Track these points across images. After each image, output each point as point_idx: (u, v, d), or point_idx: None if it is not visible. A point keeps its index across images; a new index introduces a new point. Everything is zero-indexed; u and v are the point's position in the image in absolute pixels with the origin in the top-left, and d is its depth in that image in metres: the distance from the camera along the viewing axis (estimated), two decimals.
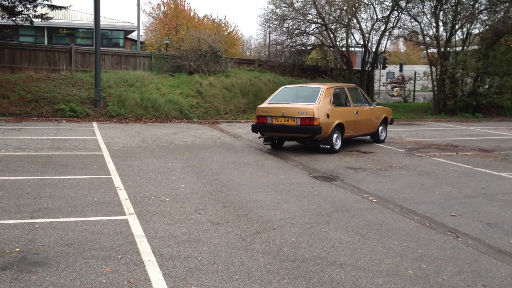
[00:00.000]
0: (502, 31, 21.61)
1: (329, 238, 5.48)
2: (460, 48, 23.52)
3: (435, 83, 23.73)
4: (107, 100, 18.51)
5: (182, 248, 5.03)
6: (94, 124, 16.36)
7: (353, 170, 9.60)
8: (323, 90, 11.91)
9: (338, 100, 12.31)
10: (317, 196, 7.41)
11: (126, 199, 6.88)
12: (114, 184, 7.81)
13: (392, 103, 28.69)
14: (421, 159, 10.97)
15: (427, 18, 24.06)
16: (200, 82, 20.71)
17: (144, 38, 45.93)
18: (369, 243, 5.34)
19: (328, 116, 11.47)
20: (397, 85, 31.29)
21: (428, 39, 24.13)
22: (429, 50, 25.14)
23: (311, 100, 11.77)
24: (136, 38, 37.05)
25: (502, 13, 22.85)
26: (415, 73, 30.84)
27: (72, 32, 39.19)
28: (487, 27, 22.97)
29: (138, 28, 35.30)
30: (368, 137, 14.00)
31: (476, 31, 24.04)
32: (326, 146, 11.67)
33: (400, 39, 29.47)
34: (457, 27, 23.27)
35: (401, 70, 36.76)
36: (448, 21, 23.32)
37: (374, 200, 7.26)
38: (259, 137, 12.75)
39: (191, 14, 47.58)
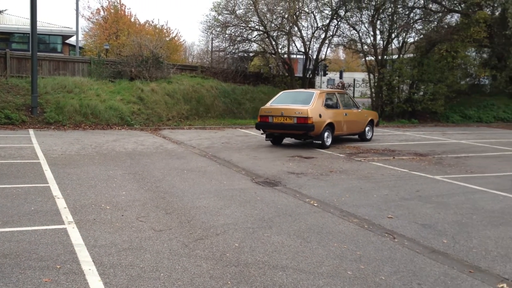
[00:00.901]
0: (436, 40, 22.55)
1: (271, 242, 5.55)
2: (397, 56, 24.34)
3: (373, 90, 24.45)
4: (45, 106, 17.98)
5: (123, 256, 4.96)
6: (31, 131, 15.84)
7: (295, 175, 9.75)
8: (316, 94, 14.05)
9: (329, 103, 14.41)
10: (260, 201, 7.48)
11: (65, 207, 6.72)
12: (52, 192, 7.60)
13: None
14: (360, 164, 11.27)
15: (365, 27, 24.82)
16: (141, 89, 20.46)
17: (83, 44, 44.90)
18: (310, 246, 5.45)
19: (320, 116, 13.54)
20: None
21: (366, 47, 24.87)
22: (367, 58, 25.91)
23: (306, 103, 13.80)
24: (74, 44, 36.19)
25: (436, 22, 23.88)
26: (354, 80, 31.69)
27: (7, 36, 37.83)
28: (422, 36, 23.91)
29: (76, 33, 34.54)
30: (357, 136, 16.20)
31: (411, 40, 24.99)
32: (318, 142, 13.78)
33: (340, 47, 30.15)
34: (393, 36, 24.10)
35: (341, 77, 37.67)
36: (385, 30, 24.11)
37: (315, 204, 7.40)
38: (261, 133, 14.91)
39: (132, 20, 46.86)
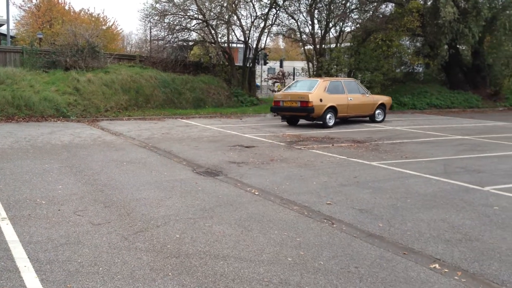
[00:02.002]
0: (371, 29, 23.08)
1: (212, 232, 5.56)
2: (334, 45, 24.76)
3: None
4: None
5: (60, 251, 4.84)
6: None
7: (236, 164, 9.78)
8: (320, 82, 17.01)
9: (332, 89, 16.96)
10: (201, 192, 7.47)
11: None
12: None
13: (273, 98, 29.52)
14: (300, 152, 11.44)
15: (303, 16, 25.10)
16: (77, 79, 19.85)
17: (15, 33, 43.00)
18: (251, 234, 5.50)
19: (321, 100, 16.31)
20: (277, 80, 32.24)
21: (304, 36, 25.17)
22: (306, 47, 26.21)
23: (309, 89, 16.72)
24: (5, 33, 34.63)
25: (371, 12, 24.43)
26: (294, 68, 31.98)
27: None
28: (358, 25, 24.42)
29: (7, 21, 33.02)
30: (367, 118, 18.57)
31: (348, 29, 25.47)
32: (320, 122, 16.65)
33: (280, 36, 30.36)
34: (331, 25, 24.49)
35: (281, 66, 37.90)
36: (322, 19, 24.46)
37: (256, 193, 7.47)
38: (274, 115, 18.68)
39: (66, 8, 45.30)
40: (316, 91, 16.49)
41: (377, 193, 7.52)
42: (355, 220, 6.11)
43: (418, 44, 28.51)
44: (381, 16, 24.16)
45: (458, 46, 27.66)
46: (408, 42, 28.26)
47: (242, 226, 5.78)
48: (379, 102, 18.44)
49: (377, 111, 18.41)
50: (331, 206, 6.76)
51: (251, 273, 4.43)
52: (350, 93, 17.46)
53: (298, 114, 16.83)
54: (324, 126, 16.54)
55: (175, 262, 4.64)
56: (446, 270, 4.58)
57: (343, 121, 18.36)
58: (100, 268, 4.46)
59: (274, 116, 17.29)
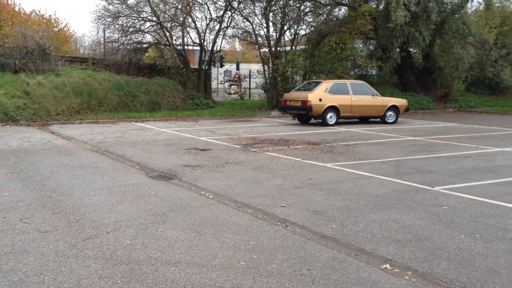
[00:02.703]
0: (325, 32, 23.34)
1: (165, 237, 5.46)
2: (290, 47, 24.91)
3: (268, 81, 24.86)
4: None
5: (4, 261, 4.65)
6: None
7: (191, 168, 9.68)
8: (322, 83, 18.44)
9: (335, 90, 18.23)
10: (154, 196, 7.34)
11: None
12: None
13: (229, 101, 29.50)
14: (256, 154, 11.43)
15: (258, 18, 25.15)
16: (27, 82, 19.27)
17: None
18: (204, 239, 5.44)
19: (320, 100, 17.73)
20: (234, 83, 32.26)
21: (260, 39, 25.22)
22: (261, 49, 26.29)
23: (311, 90, 18.25)
24: None
25: (325, 15, 24.72)
26: (250, 71, 32.03)
27: None
28: (312, 28, 24.65)
29: None
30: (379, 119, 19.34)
31: (303, 32, 25.68)
32: (319, 120, 18.17)
33: (235, 38, 30.34)
34: (285, 27, 24.62)
35: (238, 68, 37.94)
36: (277, 22, 24.58)
37: (211, 197, 7.40)
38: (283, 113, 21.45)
39: (16, 9, 43.98)
40: (317, 91, 17.99)
41: (330, 194, 7.57)
42: (309, 222, 6.12)
43: (371, 47, 29.02)
44: (334, 19, 24.46)
45: (409, 49, 28.31)
46: (361, 45, 28.72)
47: (195, 231, 5.71)
48: (390, 104, 19.19)
49: (389, 113, 19.18)
50: (285, 208, 6.76)
51: (203, 279, 4.37)
52: (356, 95, 18.52)
53: (300, 112, 18.52)
54: (324, 124, 17.95)
55: (125, 269, 4.53)
56: (397, 270, 4.63)
57: (362, 121, 19.60)
58: (46, 278, 4.30)
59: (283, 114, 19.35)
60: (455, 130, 17.35)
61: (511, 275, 4.49)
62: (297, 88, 19.76)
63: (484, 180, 8.59)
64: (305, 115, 18.52)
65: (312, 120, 18.93)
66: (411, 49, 28.68)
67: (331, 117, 18.08)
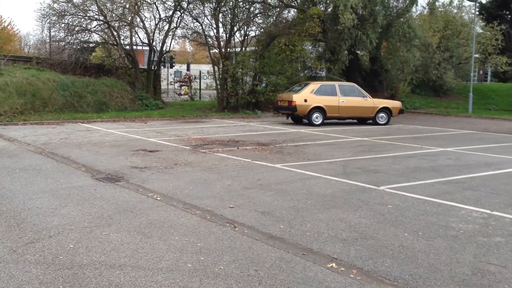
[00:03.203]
0: (275, 33, 23.49)
1: (109, 240, 5.34)
2: (240, 49, 24.93)
3: (218, 82, 24.80)
4: None
5: None
6: None
7: (139, 169, 9.53)
8: (309, 85, 19.42)
9: (322, 91, 19.00)
10: (100, 199, 7.18)
11: None
12: None
13: (179, 102, 29.24)
14: (205, 155, 11.36)
15: (207, 19, 25.04)
16: None
17: None
18: (150, 241, 5.35)
19: (305, 100, 18.58)
20: (184, 84, 31.98)
21: (209, 39, 25.11)
22: (211, 50, 26.19)
23: (298, 91, 19.23)
24: None
25: (274, 17, 24.87)
26: (200, 72, 31.85)
27: None
28: (262, 29, 24.76)
29: None
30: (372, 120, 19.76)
31: (253, 33, 25.73)
32: (305, 120, 19.03)
33: (185, 39, 30.10)
34: (235, 29, 24.63)
35: (188, 69, 37.65)
36: (227, 23, 24.54)
37: (159, 198, 7.30)
38: (275, 113, 22.69)
39: None
40: (302, 92, 18.90)
41: (279, 195, 7.60)
42: (257, 223, 6.13)
43: (320, 49, 29.41)
44: (284, 21, 24.66)
45: (357, 51, 28.86)
46: (310, 47, 29.06)
47: (142, 233, 5.61)
48: (382, 106, 19.64)
49: (380, 114, 19.63)
50: (234, 209, 6.75)
51: (148, 282, 4.30)
52: (344, 96, 19.13)
53: (287, 112, 19.39)
54: (310, 124, 18.74)
55: (67, 274, 4.40)
56: (343, 269, 4.69)
57: (360, 121, 20.14)
58: None
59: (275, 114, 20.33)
60: (400, 130, 17.80)
61: (452, 271, 4.63)
62: (290, 89, 20.58)
63: (428, 179, 8.84)
64: (297, 115, 19.16)
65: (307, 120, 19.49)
66: (359, 52, 29.24)
67: (317, 117, 18.79)
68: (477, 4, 31.77)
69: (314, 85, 19.31)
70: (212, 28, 25.04)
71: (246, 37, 24.92)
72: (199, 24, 24.79)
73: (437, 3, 33.69)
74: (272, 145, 13.21)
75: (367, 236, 5.65)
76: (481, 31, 36.22)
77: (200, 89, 31.83)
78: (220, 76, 24.42)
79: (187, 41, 33.72)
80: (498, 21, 36.41)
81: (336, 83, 19.85)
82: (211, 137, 14.87)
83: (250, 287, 4.26)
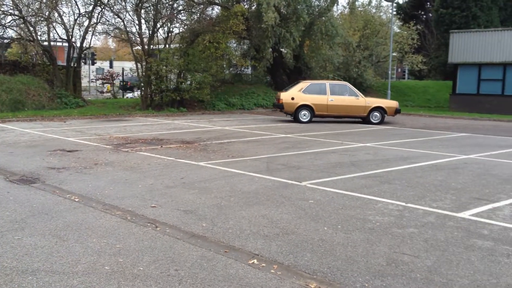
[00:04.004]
0: (199, 31, 23.33)
1: (22, 245, 5.10)
2: (163, 46, 24.57)
3: (141, 79, 24.33)
4: None
5: None
6: None
7: (56, 170, 9.17)
8: (299, 83, 20.05)
9: (311, 90, 19.48)
10: (13, 201, 6.84)
11: None
12: None
13: (102, 100, 28.46)
14: (127, 154, 11.11)
15: (129, 15, 24.47)
16: None
17: None
18: (66, 244, 5.15)
19: (292, 98, 19.33)
20: (106, 81, 31.16)
21: (132, 36, 24.56)
22: (134, 47, 25.64)
23: (287, 89, 20.07)
24: None
25: (198, 14, 24.71)
26: (123, 69, 31.15)
27: None
28: (186, 26, 24.52)
29: None
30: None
31: (176, 30, 25.45)
32: (292, 118, 19.69)
33: (107, 35, 29.27)
34: (158, 25, 24.23)
35: (111, 66, 36.74)
36: (150, 19, 24.10)
37: (76, 200, 7.05)
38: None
39: None
40: (290, 90, 19.66)
41: (202, 193, 7.56)
42: (179, 222, 6.06)
43: (245, 46, 29.58)
44: (208, 18, 24.53)
45: (281, 49, 29.25)
46: (235, 45, 29.14)
47: (57, 237, 5.39)
48: (374, 105, 19.59)
49: (374, 114, 19.58)
50: (155, 209, 6.63)
51: (63, 287, 4.13)
52: (334, 95, 19.43)
53: (277, 108, 20.23)
54: (296, 121, 19.37)
55: None
56: (264, 265, 4.73)
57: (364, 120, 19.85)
58: None
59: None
60: (323, 127, 18.21)
61: (368, 263, 4.78)
62: (287, 87, 21.06)
63: (347, 174, 9.09)
64: (285, 112, 19.98)
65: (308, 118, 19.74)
66: (283, 50, 29.64)
67: (304, 115, 19.34)
68: (394, 5, 33.10)
69: (303, 84, 19.90)
70: (134, 24, 24.59)
71: (169, 34, 24.59)
72: (120, 20, 24.19)
73: (357, 3, 34.84)
74: (196, 143, 13.12)
75: (289, 231, 5.73)
76: (398, 30, 37.72)
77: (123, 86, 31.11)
78: (144, 73, 23.96)
79: (109, 37, 32.82)
80: (414, 21, 38.08)
81: (327, 82, 20.22)
82: (134, 136, 14.56)
83: (170, 287, 4.19)
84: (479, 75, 26.83)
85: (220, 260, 4.84)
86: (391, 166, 10.02)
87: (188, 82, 24.40)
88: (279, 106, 19.75)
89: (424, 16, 46.87)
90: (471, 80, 26.80)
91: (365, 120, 19.82)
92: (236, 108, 25.72)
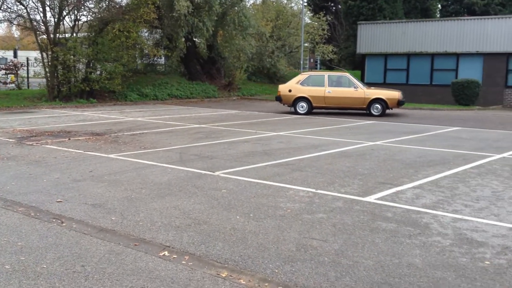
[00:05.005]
0: (108, 19, 22.59)
1: None
2: (70, 34, 23.55)
3: (47, 69, 23.19)
4: None
5: None
6: None
7: None
8: (298, 76, 20.31)
9: (309, 82, 19.47)
10: None
11: None
12: None
13: (4, 91, 26.86)
14: (32, 148, 10.58)
15: (33, 2, 23.22)
16: None
17: None
18: None
19: (290, 91, 19.43)
20: (10, 71, 29.43)
21: (36, 24, 23.32)
22: (39, 36, 24.39)
23: (286, 82, 21.10)
24: None
25: (107, 2, 23.89)
26: (27, 59, 29.58)
27: None
28: (94, 15, 23.65)
29: None
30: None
31: (84, 18, 24.46)
32: (291, 109, 19.64)
33: (9, 23, 27.61)
34: (65, 13, 23.15)
35: (15, 56, 34.77)
36: (55, 6, 22.98)
37: None
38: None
39: None
40: (288, 83, 19.96)
41: (112, 186, 7.34)
42: (87, 216, 5.84)
43: (157, 36, 29.05)
44: (117, 6, 23.79)
45: (194, 39, 29.01)
46: (147, 34, 28.54)
47: None
48: (374, 97, 18.84)
49: (375, 105, 18.87)
50: (61, 204, 6.36)
51: None
52: (332, 87, 19.12)
53: (278, 101, 20.25)
54: (295, 113, 19.29)
55: None
56: (175, 256, 4.66)
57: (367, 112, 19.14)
58: None
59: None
60: (237, 117, 18.29)
61: (278, 249, 4.85)
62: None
63: (260, 163, 9.18)
64: (284, 104, 20.08)
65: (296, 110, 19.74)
66: (196, 39, 29.41)
67: (302, 107, 19.26)
68: None
69: (302, 76, 19.98)
70: (38, 12, 23.29)
71: (77, 22, 23.58)
72: (23, 7, 22.89)
73: None
74: (107, 135, 12.73)
75: (201, 221, 5.69)
76: (309, 21, 38.61)
77: (28, 77, 29.54)
78: (50, 63, 22.85)
79: (12, 25, 30.97)
80: (324, 12, 39.10)
81: (326, 74, 20.05)
82: (40, 128, 13.89)
83: (75, 284, 4.03)
84: (386, 65, 28.04)
85: (130, 253, 4.72)
86: (303, 154, 10.23)
87: (98, 72, 23.60)
88: (277, 99, 19.97)
89: (334, 8, 48.22)
90: (378, 70, 27.93)
91: (367, 112, 19.12)
92: (150, 99, 25.22)
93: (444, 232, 5.36)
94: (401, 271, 4.34)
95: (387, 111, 19.29)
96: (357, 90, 19.07)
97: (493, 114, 17.90)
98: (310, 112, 19.37)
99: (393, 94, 19.21)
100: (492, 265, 4.49)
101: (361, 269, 4.38)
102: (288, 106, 19.89)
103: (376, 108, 19.00)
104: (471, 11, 40.93)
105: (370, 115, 18.89)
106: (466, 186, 7.50)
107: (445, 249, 4.88)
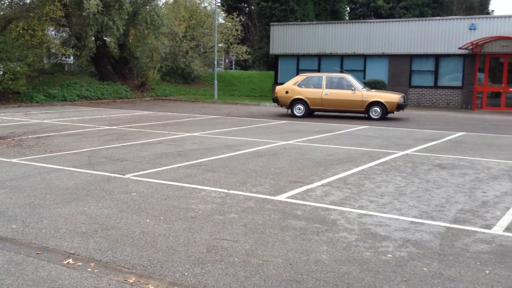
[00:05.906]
0: (11, 16, 21.45)
1: None
2: None
3: None
4: None
5: None
6: None
7: None
8: (295, 78, 19.73)
9: (307, 83, 18.91)
10: None
11: None
12: None
13: None
14: None
15: None
16: None
17: None
18: None
19: (287, 92, 18.87)
20: None
21: None
22: None
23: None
24: None
25: None
26: None
27: None
28: None
29: None
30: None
31: None
32: (288, 111, 19.27)
33: None
34: None
35: None
36: None
37: None
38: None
39: None
40: (286, 84, 19.50)
41: (13, 192, 6.95)
42: None
43: (65, 34, 27.95)
44: (21, 3, 22.64)
45: (105, 38, 28.18)
46: (54, 32, 27.39)
47: None
48: (372, 100, 17.97)
49: (374, 108, 18.00)
50: None
51: None
52: (329, 88, 18.42)
53: (274, 102, 19.82)
54: (292, 115, 18.85)
55: None
56: (80, 264, 4.48)
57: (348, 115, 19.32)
58: None
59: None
60: (150, 118, 17.98)
61: (188, 251, 4.79)
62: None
63: (173, 164, 9.06)
64: (281, 106, 19.65)
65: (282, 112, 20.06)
66: (107, 39, 28.59)
67: (299, 109, 18.76)
68: None
69: (299, 77, 19.39)
70: None
71: None
72: None
73: None
74: (10, 138, 12.07)
75: (108, 226, 5.51)
76: (223, 21, 38.68)
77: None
78: None
79: None
80: (237, 12, 39.35)
81: (324, 75, 19.13)
82: None
83: None
84: (298, 66, 28.65)
85: (31, 263, 4.49)
86: (216, 154, 10.22)
87: (1, 73, 22.33)
88: (274, 100, 19.47)
89: (247, 9, 48.69)
90: (290, 70, 28.44)
91: (366, 116, 18.34)
92: (57, 100, 24.19)
93: (350, 228, 5.54)
94: (309, 268, 4.43)
95: (389, 115, 18.66)
96: (354, 93, 18.16)
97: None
98: (308, 115, 18.80)
99: (393, 98, 18.26)
100: (394, 258, 4.69)
101: (271, 268, 4.42)
102: (286, 108, 19.36)
103: (375, 112, 18.15)
104: (378, 14, 42.83)
105: (369, 118, 18.13)
106: (371, 183, 7.80)
107: (351, 244, 5.04)
